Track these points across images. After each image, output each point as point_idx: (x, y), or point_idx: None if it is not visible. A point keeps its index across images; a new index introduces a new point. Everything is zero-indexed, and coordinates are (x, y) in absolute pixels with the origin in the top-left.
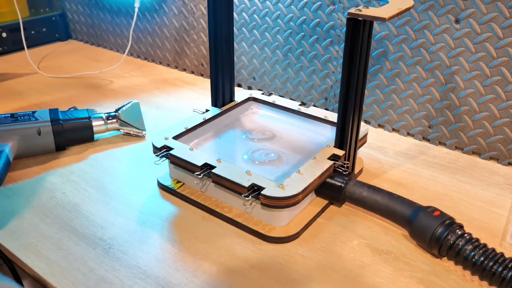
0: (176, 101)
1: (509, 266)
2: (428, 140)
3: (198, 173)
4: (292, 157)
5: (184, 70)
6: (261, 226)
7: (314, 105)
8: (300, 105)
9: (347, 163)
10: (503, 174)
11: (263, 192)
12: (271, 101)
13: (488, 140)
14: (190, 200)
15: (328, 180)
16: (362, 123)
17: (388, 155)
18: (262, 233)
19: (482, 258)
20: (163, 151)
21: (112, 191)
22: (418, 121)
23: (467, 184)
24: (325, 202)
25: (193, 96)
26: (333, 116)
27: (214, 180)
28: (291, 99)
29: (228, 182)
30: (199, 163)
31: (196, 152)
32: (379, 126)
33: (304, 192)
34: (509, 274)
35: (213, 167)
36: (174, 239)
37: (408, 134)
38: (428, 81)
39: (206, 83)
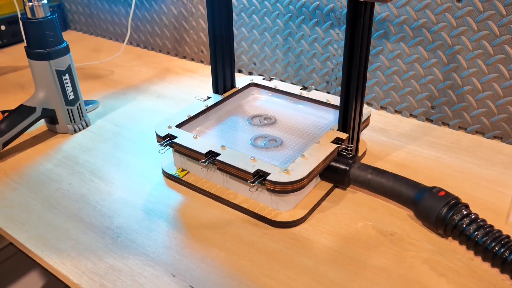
0: (177, 89)
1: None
2: (431, 121)
3: (202, 160)
4: (295, 141)
5: (184, 57)
6: (267, 211)
7: (316, 89)
8: (301, 89)
9: (351, 146)
10: (507, 153)
11: (268, 177)
12: (272, 86)
13: (492, 119)
14: (195, 187)
15: (333, 163)
16: (365, 106)
17: (391, 137)
18: (269, 218)
19: (485, 238)
20: (166, 140)
21: (117, 181)
22: (420, 102)
23: (471, 163)
24: (330, 185)
25: (194, 84)
26: (335, 100)
27: (219, 167)
28: (292, 83)
29: (233, 168)
30: (204, 151)
31: (200, 140)
32: (382, 108)
33: (309, 177)
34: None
35: (218, 154)
36: (181, 226)
37: (411, 115)
38: (430, 61)
39: (207, 70)
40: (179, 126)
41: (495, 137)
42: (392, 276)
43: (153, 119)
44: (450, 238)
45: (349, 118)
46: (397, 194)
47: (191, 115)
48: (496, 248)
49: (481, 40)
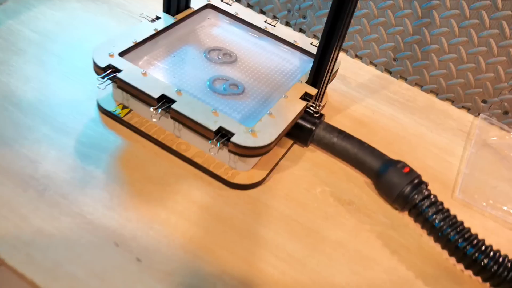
0: None
1: (465, 236)
2: (390, 73)
3: (155, 107)
4: (258, 89)
5: None
6: (224, 170)
7: (277, 18)
8: (266, 22)
9: (319, 104)
10: (456, 118)
11: (232, 139)
12: (233, 13)
13: (449, 82)
14: (139, 131)
15: (299, 121)
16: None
17: (351, 87)
18: (225, 178)
19: (441, 223)
20: (108, 73)
21: (41, 112)
22: (384, 51)
23: (424, 127)
24: (290, 142)
25: None
26: (302, 42)
27: (173, 116)
28: (249, 4)
29: (191, 122)
30: (156, 95)
31: (150, 78)
32: (342, 50)
33: (277, 140)
34: (464, 244)
35: (173, 101)
36: (122, 180)
37: (371, 63)
38: (404, 11)
39: None
40: (122, 54)
41: (447, 99)
42: (349, 251)
43: (84, 29)
44: (403, 212)
45: (323, 73)
46: (361, 162)
47: (137, 41)
48: (451, 234)
49: (461, 0)
